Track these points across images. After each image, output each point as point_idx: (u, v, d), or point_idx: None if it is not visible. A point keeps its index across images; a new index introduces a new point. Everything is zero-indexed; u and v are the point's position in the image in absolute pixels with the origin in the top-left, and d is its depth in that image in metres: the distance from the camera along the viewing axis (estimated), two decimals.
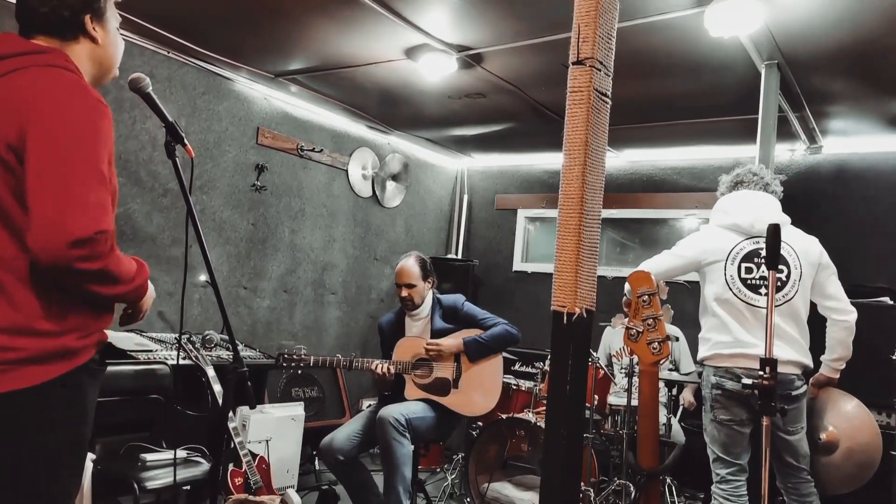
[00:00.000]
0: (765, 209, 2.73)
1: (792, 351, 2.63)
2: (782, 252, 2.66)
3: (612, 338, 4.34)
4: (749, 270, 2.67)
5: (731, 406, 2.60)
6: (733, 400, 2.60)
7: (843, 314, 2.74)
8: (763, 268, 2.65)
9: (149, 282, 1.54)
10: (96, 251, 1.28)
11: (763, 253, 2.65)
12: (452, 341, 3.34)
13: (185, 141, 1.75)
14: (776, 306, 2.65)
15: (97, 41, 1.48)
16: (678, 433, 3.85)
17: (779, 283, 2.67)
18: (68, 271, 1.27)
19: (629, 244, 5.50)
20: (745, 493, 2.62)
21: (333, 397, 4.49)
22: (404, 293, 3.40)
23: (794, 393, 2.63)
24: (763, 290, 2.64)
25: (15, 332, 1.32)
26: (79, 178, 1.29)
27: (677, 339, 4.14)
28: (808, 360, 2.67)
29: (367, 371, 3.25)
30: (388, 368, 3.22)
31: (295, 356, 3.20)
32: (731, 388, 2.58)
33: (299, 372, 3.27)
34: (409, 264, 3.42)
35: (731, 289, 2.67)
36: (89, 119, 1.34)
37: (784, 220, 2.74)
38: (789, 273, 2.69)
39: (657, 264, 2.80)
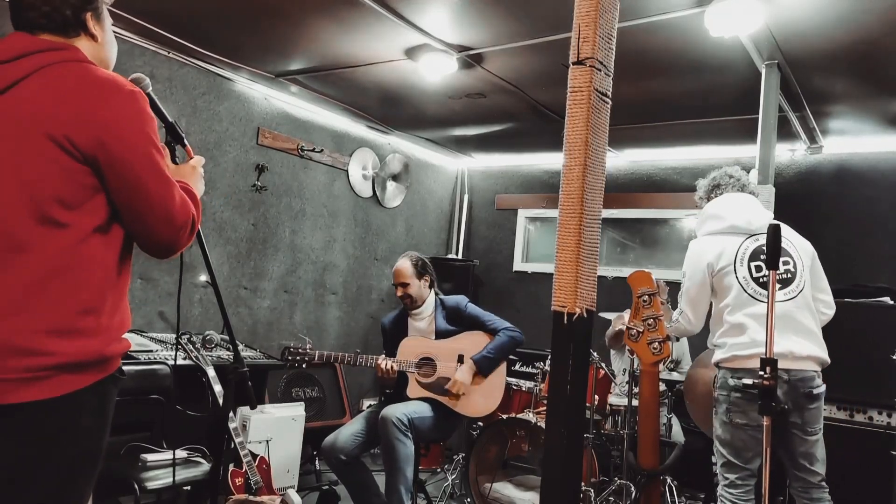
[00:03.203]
0: (754, 208, 2.77)
1: (811, 345, 2.56)
2: (784, 245, 2.67)
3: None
4: (759, 269, 2.63)
5: (750, 410, 2.50)
6: (753, 403, 2.54)
7: (830, 308, 2.74)
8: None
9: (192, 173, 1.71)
10: (191, 222, 1.52)
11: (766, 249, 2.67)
12: (467, 369, 3.35)
13: (186, 141, 1.75)
14: (791, 298, 2.63)
15: (97, 39, 1.50)
16: (678, 433, 3.84)
17: (788, 276, 2.66)
18: (185, 244, 1.53)
19: (629, 244, 5.49)
20: (753, 497, 2.60)
21: (334, 397, 4.49)
22: (400, 292, 3.47)
23: (815, 391, 2.55)
24: (777, 286, 2.62)
25: (53, 334, 1.31)
26: (164, 173, 1.43)
27: (678, 340, 4.13)
28: (826, 355, 2.60)
29: (370, 367, 3.28)
30: (392, 366, 3.24)
31: (300, 350, 3.22)
32: (752, 390, 2.52)
33: (304, 366, 3.28)
34: (403, 264, 3.49)
35: (746, 290, 2.61)
36: (144, 109, 1.43)
37: (769, 217, 2.77)
38: (795, 264, 2.68)
39: (694, 311, 2.70)
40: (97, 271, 1.37)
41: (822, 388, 2.59)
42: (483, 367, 3.36)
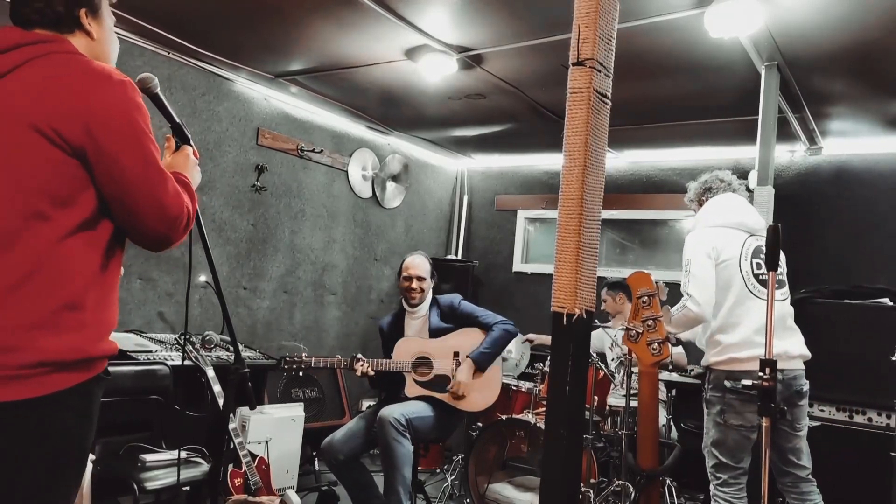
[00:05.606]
0: (751, 209, 2.84)
1: (800, 344, 2.68)
2: None
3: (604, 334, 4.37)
4: (759, 266, 2.68)
5: (745, 411, 2.54)
6: (750, 404, 2.56)
7: None
8: None
9: (188, 162, 1.70)
10: (186, 216, 1.47)
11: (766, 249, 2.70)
12: (466, 368, 3.35)
13: (192, 142, 1.75)
14: (786, 299, 2.71)
15: (92, 36, 1.49)
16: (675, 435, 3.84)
17: (783, 277, 2.73)
18: (180, 238, 1.48)
19: (629, 245, 5.50)
20: (745, 493, 2.63)
21: (333, 398, 4.49)
22: (414, 285, 3.46)
23: (804, 388, 2.66)
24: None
25: (35, 329, 1.30)
26: (157, 164, 1.40)
27: (679, 342, 4.13)
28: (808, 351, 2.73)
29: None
30: (368, 370, 3.24)
31: (296, 359, 3.21)
32: (751, 391, 2.56)
33: (300, 374, 3.28)
34: (421, 259, 3.53)
35: (747, 285, 2.66)
36: (133, 99, 1.39)
37: (762, 219, 2.84)
38: (784, 270, 2.75)
39: (702, 293, 2.62)
40: (80, 267, 1.36)
41: (808, 385, 2.70)
42: (481, 364, 3.39)
